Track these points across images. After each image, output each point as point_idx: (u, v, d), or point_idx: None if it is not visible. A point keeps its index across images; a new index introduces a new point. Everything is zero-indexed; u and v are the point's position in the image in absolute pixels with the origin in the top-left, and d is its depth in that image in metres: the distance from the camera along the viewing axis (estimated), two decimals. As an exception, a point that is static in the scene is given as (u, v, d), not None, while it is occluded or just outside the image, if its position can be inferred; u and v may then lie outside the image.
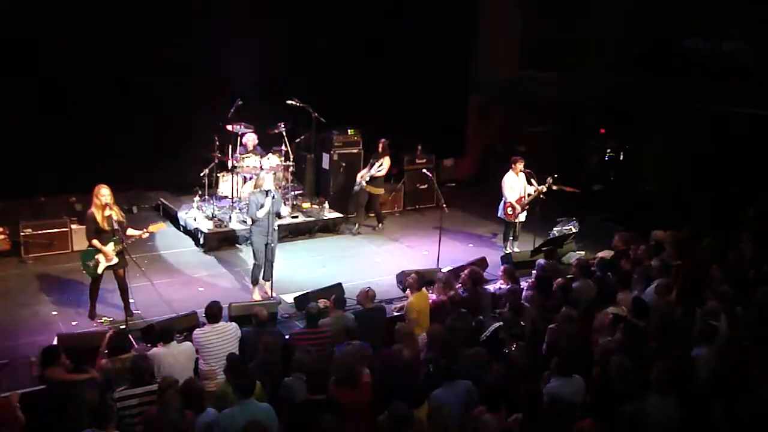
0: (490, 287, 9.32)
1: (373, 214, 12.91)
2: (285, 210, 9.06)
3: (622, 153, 15.15)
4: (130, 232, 8.46)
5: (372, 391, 6.23)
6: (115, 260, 8.41)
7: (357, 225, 12.45)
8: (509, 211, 11.26)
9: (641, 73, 13.80)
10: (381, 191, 12.59)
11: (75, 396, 5.96)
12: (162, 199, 12.50)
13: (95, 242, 8.31)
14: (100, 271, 8.41)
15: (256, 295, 9.40)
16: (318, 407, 5.64)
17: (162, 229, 9.62)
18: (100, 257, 8.35)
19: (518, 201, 11.19)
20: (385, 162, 12.33)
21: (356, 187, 12.43)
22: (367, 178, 12.28)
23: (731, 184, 12.32)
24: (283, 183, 11.87)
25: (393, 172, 13.65)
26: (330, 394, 5.96)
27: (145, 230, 8.69)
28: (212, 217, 11.35)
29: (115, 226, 8.25)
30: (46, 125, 10.97)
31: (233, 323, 7.48)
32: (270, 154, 11.55)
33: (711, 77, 12.90)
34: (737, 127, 12.37)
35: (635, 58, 14.13)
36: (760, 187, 11.81)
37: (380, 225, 12.65)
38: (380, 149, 12.34)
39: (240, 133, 11.64)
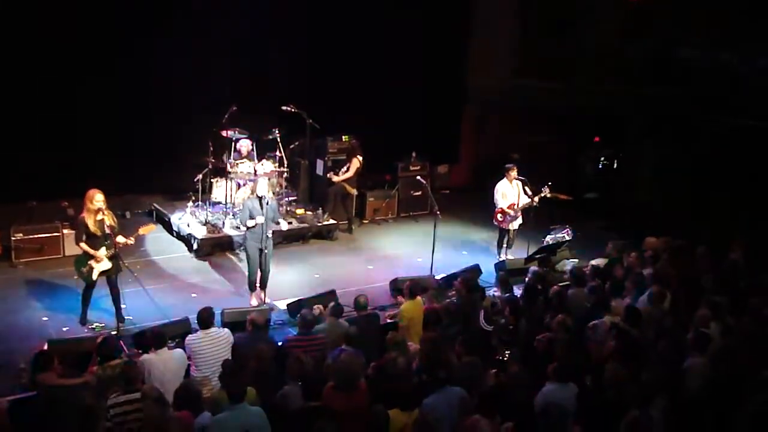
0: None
1: (366, 220, 12.90)
2: (284, 224, 9.13)
3: (616, 161, 15.18)
4: (119, 239, 8.39)
5: (367, 398, 6.20)
6: (108, 265, 8.37)
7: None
8: (499, 217, 11.27)
9: (637, 82, 13.85)
10: (353, 191, 12.58)
11: (68, 400, 5.91)
12: (155, 204, 12.44)
13: (83, 245, 8.26)
14: (94, 277, 8.35)
15: (254, 301, 9.38)
16: (314, 414, 5.61)
17: (152, 230, 9.53)
18: (93, 263, 8.30)
19: (510, 207, 11.18)
20: (353, 164, 12.35)
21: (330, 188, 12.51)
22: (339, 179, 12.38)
23: (725, 193, 12.34)
24: (278, 189, 11.86)
25: (388, 178, 13.67)
26: (326, 399, 5.92)
27: (134, 234, 8.64)
28: (206, 223, 11.33)
29: (107, 231, 8.22)
30: (38, 129, 10.91)
31: (226, 329, 7.43)
32: (264, 160, 11.54)
33: (707, 88, 12.94)
34: (731, 137, 12.40)
35: (631, 68, 14.19)
36: (753, 196, 11.84)
37: (352, 227, 12.64)
38: (348, 149, 12.47)
39: (234, 138, 11.63)
